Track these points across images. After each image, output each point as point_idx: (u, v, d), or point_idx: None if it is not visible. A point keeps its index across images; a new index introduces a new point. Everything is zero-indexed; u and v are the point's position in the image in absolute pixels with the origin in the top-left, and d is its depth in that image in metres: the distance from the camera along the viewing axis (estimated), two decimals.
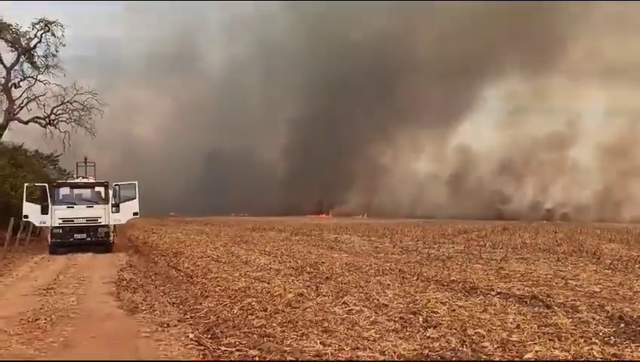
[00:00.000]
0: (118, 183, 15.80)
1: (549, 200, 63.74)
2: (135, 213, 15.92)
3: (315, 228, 28.50)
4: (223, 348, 4.73)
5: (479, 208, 60.87)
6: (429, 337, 5.25)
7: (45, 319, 5.93)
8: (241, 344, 4.88)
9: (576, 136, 64.09)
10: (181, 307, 7.16)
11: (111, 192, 15.73)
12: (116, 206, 15.53)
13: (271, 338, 5.16)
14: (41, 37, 23.50)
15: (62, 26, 23.86)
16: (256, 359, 4.48)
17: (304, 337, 5.28)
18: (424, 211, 64.59)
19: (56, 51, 23.90)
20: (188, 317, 6.40)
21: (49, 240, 15.39)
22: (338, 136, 73.16)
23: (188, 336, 5.14)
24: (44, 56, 23.88)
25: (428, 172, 73.82)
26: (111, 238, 15.85)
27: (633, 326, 5.50)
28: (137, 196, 15.70)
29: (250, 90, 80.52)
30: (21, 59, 23.85)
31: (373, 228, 28.47)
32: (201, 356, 4.45)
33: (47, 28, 23.40)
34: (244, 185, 72.02)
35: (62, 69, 24.37)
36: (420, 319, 6.05)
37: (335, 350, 4.82)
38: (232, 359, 4.51)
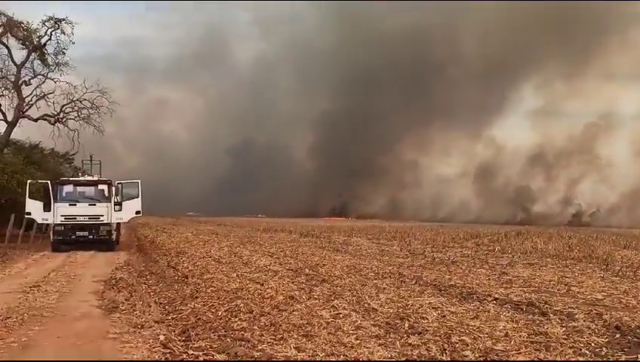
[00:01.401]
0: (121, 181, 15.83)
1: (578, 200, 62.35)
2: (137, 212, 15.92)
3: (326, 230, 28.30)
4: (190, 352, 4.56)
5: (505, 208, 59.97)
6: (410, 344, 5.03)
7: (16, 317, 5.84)
8: (211, 348, 4.71)
9: (610, 136, 62.80)
10: (166, 307, 7.06)
11: (114, 191, 15.75)
12: (119, 204, 15.55)
13: (245, 342, 4.99)
14: (51, 34, 23.69)
15: (72, 24, 24.07)
16: None
17: (281, 341, 5.12)
18: (447, 213, 63.98)
19: (65, 49, 24.09)
20: (169, 318, 6.27)
21: (51, 237, 15.45)
22: (365, 135, 72.74)
23: (158, 338, 4.99)
24: (54, 54, 24.09)
25: (457, 172, 72.67)
26: (113, 236, 15.87)
27: (629, 337, 5.20)
28: (140, 194, 15.70)
29: (279, 89, 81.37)
30: (31, 57, 24.10)
31: (385, 230, 28.19)
32: (163, 359, 4.29)
33: (57, 25, 23.58)
34: (267, 186, 72.57)
35: (72, 67, 24.58)
36: (406, 325, 5.84)
37: (308, 356, 4.63)
38: None
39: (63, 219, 15.21)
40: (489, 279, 9.68)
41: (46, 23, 23.66)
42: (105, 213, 15.49)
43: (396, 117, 72.60)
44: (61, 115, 24.49)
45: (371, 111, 72.47)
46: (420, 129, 74.73)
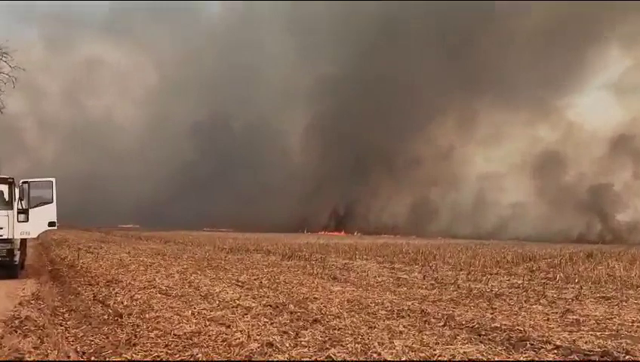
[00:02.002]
0: (28, 180, 15.66)
1: None
2: (51, 223, 15.80)
3: (320, 249, 28.41)
4: None
5: (576, 216, 58.40)
6: None
7: None
8: None
9: None
10: (92, 359, 7.06)
11: (17, 193, 15.62)
12: (24, 212, 15.40)
13: None
14: None
15: None
16: None
17: None
18: (492, 225, 62.24)
19: None
20: None
21: None
22: (379, 115, 70.71)
23: None
24: None
25: (508, 166, 70.21)
26: (16, 258, 15.74)
27: None
28: (55, 199, 15.58)
29: (263, 49, 79.94)
30: None
31: (402, 250, 28.24)
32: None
33: None
34: (239, 187, 71.62)
35: None
36: None
37: None
38: None
39: None
40: (548, 319, 9.76)
41: None
42: (4, 224, 15.34)
43: (425, 89, 71.02)
44: None
45: (389, 82, 71.07)
46: (459, 106, 73.61)
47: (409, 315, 9.91)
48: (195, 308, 10.54)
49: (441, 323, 9.19)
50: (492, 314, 10.16)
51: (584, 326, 9.11)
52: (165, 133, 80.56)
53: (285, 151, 77.76)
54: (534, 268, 19.58)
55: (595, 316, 9.99)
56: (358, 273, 17.43)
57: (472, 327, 8.88)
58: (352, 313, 10.02)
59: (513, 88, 71.33)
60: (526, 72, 69.42)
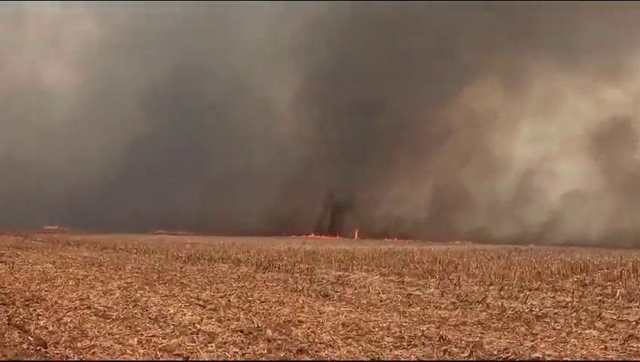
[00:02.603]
0: None
1: None
2: None
3: (306, 258, 28.61)
4: None
5: None
6: None
7: None
8: None
9: None
10: None
11: None
12: None
13: None
14: None
15: None
16: None
17: None
18: (537, 225, 62.21)
19: None
20: None
21: None
22: (390, 81, 70.14)
23: None
24: None
25: (560, 142, 69.77)
26: None
27: None
28: None
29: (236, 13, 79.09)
30: None
31: (414, 258, 28.35)
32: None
33: None
34: (202, 176, 71.26)
35: None
36: None
37: None
38: None
39: None
40: (605, 348, 9.86)
41: None
42: None
43: (460, 42, 70.91)
44: None
45: (410, 26, 70.43)
46: (502, 66, 73.06)
47: (423, 343, 9.99)
48: (142, 334, 10.58)
49: (466, 354, 9.28)
50: (532, 341, 10.24)
51: None
52: (108, 101, 79.98)
53: (259, 132, 77.38)
54: (587, 282, 19.71)
55: None
56: (356, 288, 17.53)
57: (506, 359, 8.99)
58: (349, 340, 10.10)
59: (573, 45, 70.84)
60: (590, 25, 68.84)
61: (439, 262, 26.45)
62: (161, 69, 79.44)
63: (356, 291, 16.93)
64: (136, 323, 11.72)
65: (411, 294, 16.38)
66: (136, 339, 10.19)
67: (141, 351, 9.44)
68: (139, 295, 15.38)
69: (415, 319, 12.47)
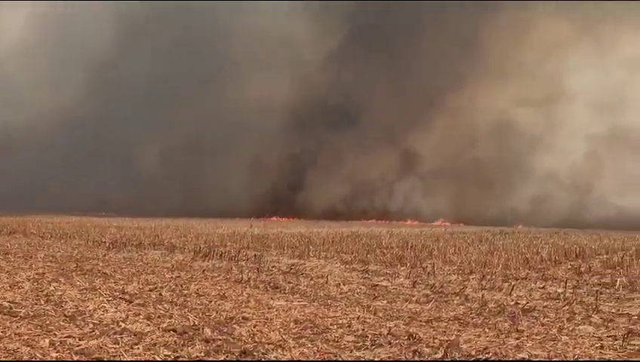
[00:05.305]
0: None
1: None
2: None
3: (254, 242, 28.73)
4: None
5: None
6: None
7: None
8: None
9: None
10: None
11: None
12: None
13: None
14: None
15: None
16: None
17: None
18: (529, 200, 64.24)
19: None
20: None
21: None
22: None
23: None
24: None
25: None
26: None
27: None
28: None
29: None
30: None
31: (382, 243, 28.48)
32: None
33: None
34: (129, 144, 71.79)
35: None
36: None
37: None
38: None
39: None
40: (601, 346, 9.91)
41: None
42: None
43: None
44: None
45: None
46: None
47: (390, 343, 9.99)
48: (55, 334, 10.47)
49: (439, 355, 9.29)
50: (517, 339, 10.27)
51: None
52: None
53: (203, 81, 78.66)
54: (583, 270, 19.82)
55: None
56: (312, 279, 17.56)
57: (486, 361, 9.02)
58: (302, 340, 10.11)
59: None
60: None
61: (411, 247, 26.52)
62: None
63: (312, 282, 16.94)
64: (48, 321, 11.58)
65: (377, 285, 16.40)
66: (48, 341, 10.06)
67: (54, 354, 9.34)
68: (52, 288, 15.20)
69: (381, 314, 12.46)
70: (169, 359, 9.08)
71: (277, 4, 77.52)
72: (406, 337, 10.29)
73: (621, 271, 19.66)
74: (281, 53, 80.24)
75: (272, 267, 20.06)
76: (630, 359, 9.16)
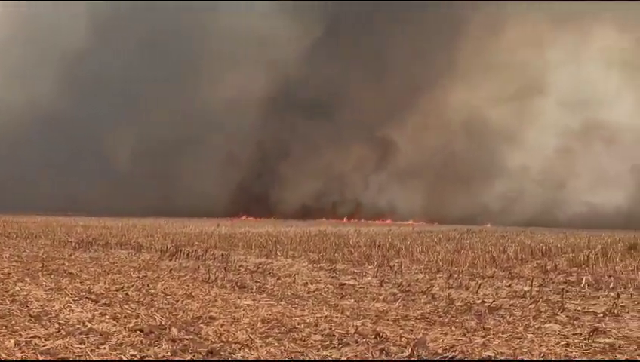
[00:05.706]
0: None
1: None
2: None
3: (221, 241, 28.67)
4: None
5: None
6: None
7: None
8: None
9: None
10: None
11: None
12: None
13: None
14: None
15: None
16: None
17: None
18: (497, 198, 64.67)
19: None
20: None
21: None
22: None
23: None
24: None
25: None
26: None
27: None
28: None
29: None
30: None
31: (349, 242, 28.43)
32: None
33: None
34: (100, 143, 71.70)
35: None
36: None
37: None
38: None
39: None
40: (567, 344, 9.93)
41: None
42: None
43: None
44: None
45: None
46: None
47: (357, 342, 9.96)
48: (20, 335, 10.37)
49: (406, 353, 9.28)
50: (483, 337, 10.27)
51: (621, 352, 9.33)
52: None
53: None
54: (549, 268, 19.93)
55: (638, 338, 10.21)
56: (279, 278, 17.51)
57: (452, 359, 9.01)
58: (269, 339, 10.06)
59: None
60: None
61: (378, 246, 26.54)
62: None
63: (279, 281, 16.89)
64: (13, 321, 11.46)
65: (344, 284, 16.36)
66: (13, 341, 9.96)
67: (19, 354, 9.26)
68: (17, 288, 15.10)
69: (348, 313, 12.42)
70: (135, 359, 9.02)
71: (252, 3, 77.99)
72: (373, 336, 10.27)
73: (587, 269, 19.85)
74: (256, 52, 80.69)
75: (240, 266, 20.00)
76: (595, 357, 9.19)
